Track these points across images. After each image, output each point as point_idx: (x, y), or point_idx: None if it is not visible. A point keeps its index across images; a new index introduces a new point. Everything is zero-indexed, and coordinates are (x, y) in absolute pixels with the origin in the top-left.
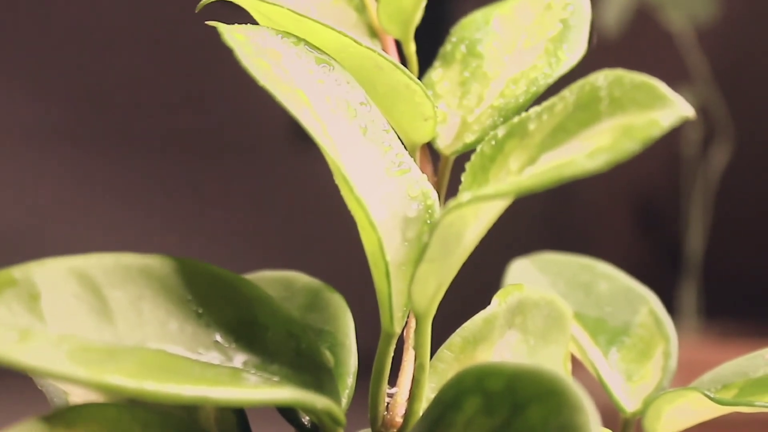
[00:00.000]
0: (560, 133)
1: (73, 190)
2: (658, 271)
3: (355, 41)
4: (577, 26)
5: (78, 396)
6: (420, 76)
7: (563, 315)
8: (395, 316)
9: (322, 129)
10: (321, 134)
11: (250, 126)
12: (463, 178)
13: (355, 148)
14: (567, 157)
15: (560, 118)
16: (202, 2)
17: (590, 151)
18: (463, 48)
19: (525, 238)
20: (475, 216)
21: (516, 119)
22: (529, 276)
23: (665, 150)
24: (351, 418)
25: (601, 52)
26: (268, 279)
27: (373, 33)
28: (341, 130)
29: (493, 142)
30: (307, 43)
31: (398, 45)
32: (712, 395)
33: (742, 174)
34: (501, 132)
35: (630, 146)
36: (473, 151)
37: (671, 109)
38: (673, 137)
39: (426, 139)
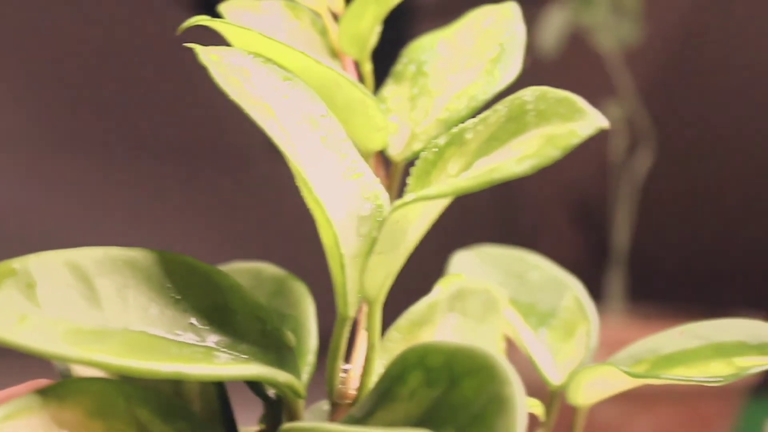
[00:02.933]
0: (493, 141)
1: (61, 193)
2: (590, 261)
3: (317, 61)
4: (512, 49)
5: (81, 371)
6: (375, 92)
7: (497, 301)
8: (349, 302)
9: (286, 138)
10: (285, 143)
11: (229, 134)
12: (408, 181)
13: (316, 154)
14: (498, 163)
15: (493, 128)
16: (182, 26)
17: (518, 157)
18: (412, 68)
19: (474, 233)
20: (419, 213)
21: (455, 129)
22: (470, 266)
23: (596, 156)
24: (312, 391)
25: (540, 70)
26: (240, 269)
27: (335, 54)
28: (304, 139)
29: (435, 150)
30: (274, 62)
31: (356, 65)
32: (626, 369)
33: (662, 177)
34: (442, 140)
35: (553, 153)
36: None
37: (588, 120)
38: (602, 145)
39: (379, 148)
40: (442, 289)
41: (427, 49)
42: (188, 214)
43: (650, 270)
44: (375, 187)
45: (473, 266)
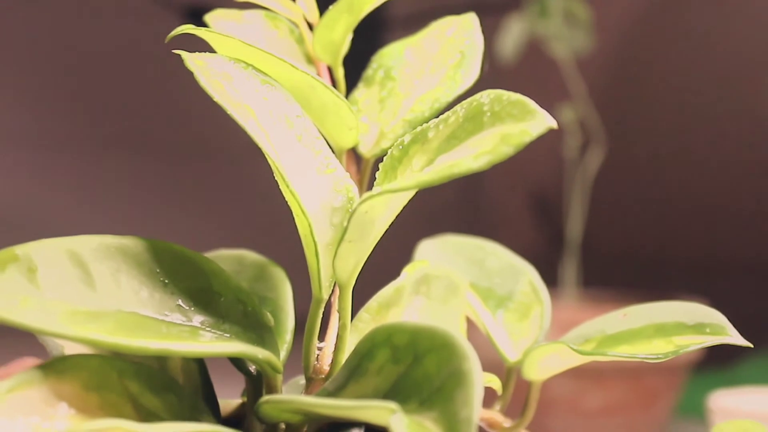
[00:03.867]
0: (453, 139)
1: (52, 187)
2: (546, 250)
3: (293, 66)
4: (471, 56)
5: (71, 349)
6: (347, 95)
7: (458, 285)
8: (323, 285)
9: (265, 136)
10: (264, 141)
11: (214, 132)
12: (376, 176)
13: (292, 151)
14: (457, 159)
15: (453, 128)
16: (170, 34)
17: (475, 154)
18: (381, 72)
19: (441, 224)
20: (386, 205)
21: (419, 129)
22: (434, 254)
23: (552, 154)
24: (290, 367)
25: (500, 76)
26: (224, 256)
27: (310, 60)
28: (281, 137)
29: (401, 147)
30: (254, 67)
31: (330, 70)
32: (575, 347)
33: (612, 173)
34: (407, 139)
35: (506, 150)
36: None
37: (539, 120)
38: (557, 144)
39: (351, 145)
40: (408, 275)
41: (395, 55)
42: (176, 207)
43: (601, 258)
44: (346, 181)
45: (437, 254)
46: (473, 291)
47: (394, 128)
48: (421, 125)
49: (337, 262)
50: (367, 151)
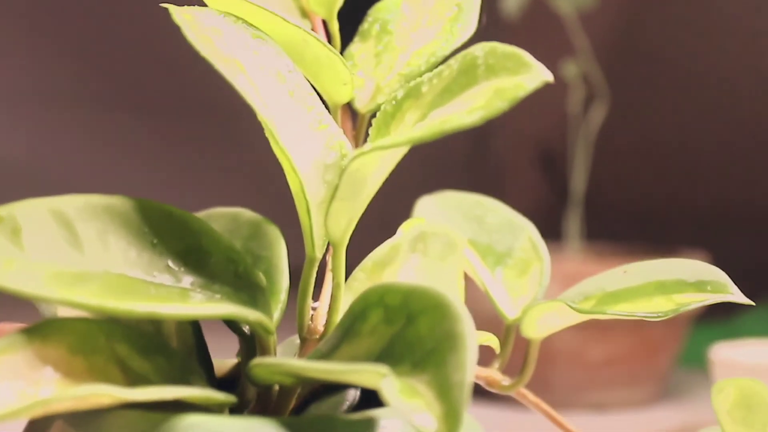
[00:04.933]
0: (446, 94)
1: (47, 144)
2: (551, 204)
3: (284, 20)
4: (468, 9)
5: (64, 312)
6: (342, 50)
7: (456, 242)
8: (316, 244)
9: (255, 91)
10: (254, 96)
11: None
12: (370, 132)
13: (284, 107)
14: (450, 114)
15: (447, 82)
16: None
17: (468, 108)
18: (377, 26)
19: (447, 179)
20: (377, 162)
21: (412, 83)
22: (433, 210)
23: (556, 109)
24: (285, 327)
25: (503, 30)
26: (219, 213)
27: (305, 14)
28: (272, 93)
29: (394, 102)
30: (245, 21)
31: (325, 24)
32: (574, 305)
33: (615, 127)
34: (400, 94)
35: (500, 104)
36: None
37: (534, 73)
38: (561, 99)
39: (345, 101)
40: (404, 232)
41: (392, 9)
42: (171, 163)
43: (605, 212)
44: (339, 138)
45: (436, 210)
46: (472, 248)
47: (390, 83)
48: (416, 78)
49: (329, 221)
50: (363, 106)
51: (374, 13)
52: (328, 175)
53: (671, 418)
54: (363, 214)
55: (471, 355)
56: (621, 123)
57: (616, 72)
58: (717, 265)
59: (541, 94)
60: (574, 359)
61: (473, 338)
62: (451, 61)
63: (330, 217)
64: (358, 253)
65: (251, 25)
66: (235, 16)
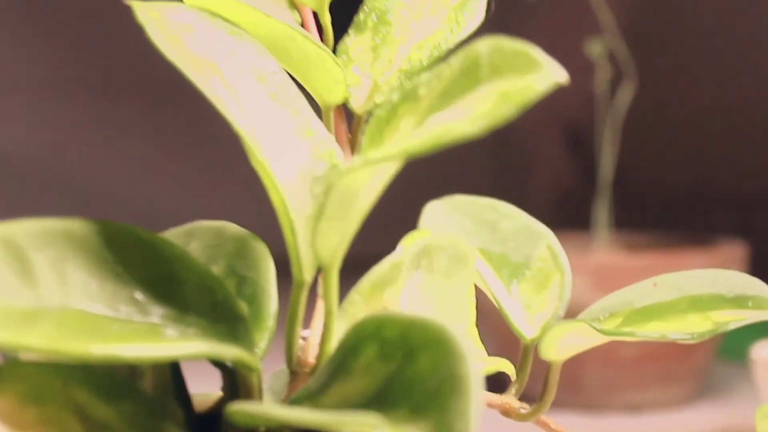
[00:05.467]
0: (446, 97)
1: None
2: (579, 191)
3: (266, 16)
4: None
5: (26, 354)
6: (336, 44)
7: (466, 254)
8: (304, 266)
9: (232, 96)
10: (230, 102)
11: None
12: (362, 141)
13: (265, 112)
14: (449, 122)
15: (446, 83)
16: None
17: (470, 116)
18: (374, 16)
19: (469, 163)
20: (370, 176)
21: (409, 84)
22: (441, 217)
23: (582, 90)
24: (274, 355)
25: (526, 9)
26: (203, 228)
27: (293, 5)
28: (251, 96)
29: (389, 107)
30: (222, 18)
31: (316, 15)
32: (597, 326)
33: (644, 108)
34: (396, 97)
35: (507, 110)
36: None
37: (544, 73)
38: (587, 79)
39: (339, 101)
40: (405, 248)
41: None
42: (154, 151)
43: (634, 198)
44: (329, 145)
45: (444, 216)
46: (484, 258)
47: (389, 80)
48: (419, 75)
49: (317, 241)
50: (359, 106)
51: (371, 1)
52: (316, 188)
53: (711, 417)
54: (381, 209)
55: (475, 400)
56: (650, 103)
57: (644, 50)
58: (756, 254)
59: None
60: (606, 357)
61: (478, 380)
62: (452, 59)
63: (318, 237)
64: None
65: (230, 21)
66: (211, 11)
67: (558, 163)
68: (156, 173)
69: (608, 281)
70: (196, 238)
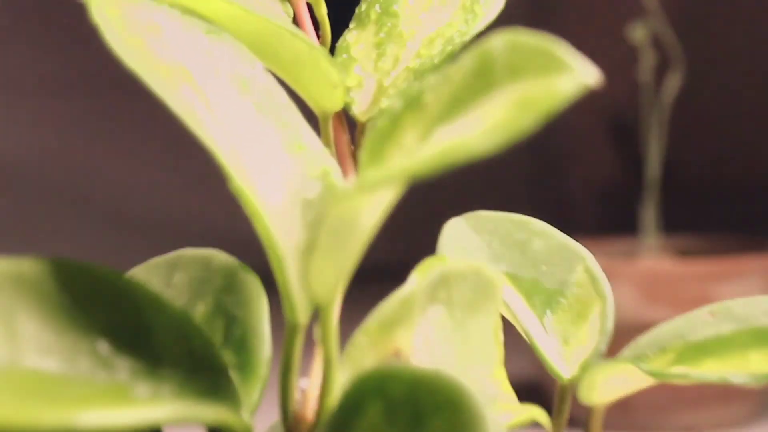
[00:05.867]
0: (455, 105)
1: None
2: (622, 189)
3: (246, 10)
4: None
5: None
6: (335, 39)
7: (492, 283)
8: (298, 306)
9: (204, 106)
10: (203, 113)
11: None
12: (360, 156)
13: (247, 125)
14: (459, 136)
15: (456, 87)
16: None
17: (484, 129)
18: (377, 7)
19: (505, 163)
20: (368, 201)
21: (413, 89)
22: (463, 237)
23: (625, 79)
24: (270, 404)
25: None
26: (189, 258)
27: None
28: (229, 106)
29: (391, 116)
30: (196, 14)
31: (310, 7)
32: (645, 367)
33: (692, 98)
34: (398, 105)
35: (527, 120)
36: None
37: (571, 75)
38: (630, 67)
39: (337, 107)
40: (418, 279)
41: None
42: (153, 148)
43: (685, 199)
44: (324, 162)
45: (467, 237)
46: (513, 284)
47: (396, 81)
48: (429, 73)
49: (311, 278)
50: (362, 112)
51: None
52: (309, 213)
53: None
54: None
55: None
56: (700, 93)
57: (692, 34)
58: None
59: (608, 62)
60: (657, 391)
61: None
62: (463, 58)
63: (312, 273)
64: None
65: (206, 18)
66: (183, 7)
67: (600, 160)
68: (155, 170)
69: (657, 291)
70: (181, 269)
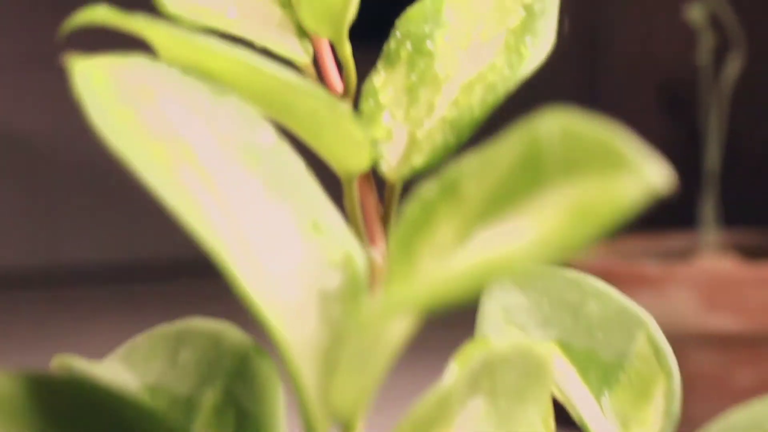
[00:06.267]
0: (500, 200)
1: None
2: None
3: (255, 68)
4: (543, 13)
5: None
6: (360, 81)
7: (541, 365)
8: (316, 419)
9: (207, 188)
10: (206, 197)
11: None
12: (389, 248)
13: (256, 206)
14: (504, 247)
15: (500, 178)
16: (65, 25)
17: (533, 239)
18: (408, 45)
19: None
20: (397, 316)
21: (450, 174)
22: (508, 295)
23: (683, 61)
24: None
25: None
26: (196, 333)
27: (302, 31)
28: (237, 184)
29: (423, 204)
30: (198, 71)
31: (332, 46)
32: None
33: (754, 83)
34: (431, 191)
35: (582, 232)
36: (424, 175)
37: (637, 175)
38: (688, 49)
39: (362, 168)
40: (458, 369)
41: (430, 16)
42: None
43: (747, 191)
44: (346, 246)
45: (512, 295)
46: (565, 355)
47: (431, 133)
48: (471, 129)
49: (332, 394)
50: (392, 169)
51: (404, 24)
52: (330, 309)
53: None
54: None
55: None
56: (763, 77)
57: (753, 14)
58: None
59: (665, 45)
60: (718, 385)
61: None
62: (508, 142)
63: (334, 389)
64: None
65: (209, 76)
66: (184, 64)
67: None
68: None
69: (719, 295)
70: (188, 344)
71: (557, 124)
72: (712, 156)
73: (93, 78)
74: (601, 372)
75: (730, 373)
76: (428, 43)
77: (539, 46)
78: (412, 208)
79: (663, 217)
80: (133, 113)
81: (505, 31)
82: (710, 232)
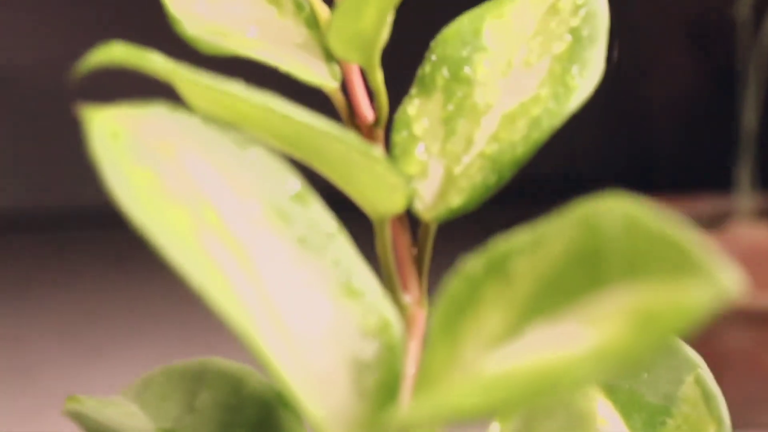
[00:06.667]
0: (554, 292)
1: None
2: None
3: (283, 116)
4: (591, 39)
5: None
6: (393, 110)
7: (584, 416)
8: None
9: (233, 252)
10: (233, 267)
11: None
12: (431, 323)
13: (286, 271)
14: (559, 356)
15: (556, 266)
16: (80, 67)
17: (591, 348)
18: (445, 71)
19: (579, 132)
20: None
21: (497, 250)
22: None
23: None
24: None
25: None
26: (215, 374)
27: (330, 55)
28: (265, 247)
29: (467, 279)
30: (222, 117)
31: (362, 72)
32: None
33: None
34: (476, 268)
35: (646, 343)
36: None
37: (707, 282)
38: (725, 5)
39: (397, 211)
40: (501, 427)
41: (468, 39)
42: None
43: None
44: (382, 311)
45: None
46: (607, 397)
47: (469, 169)
48: (513, 167)
49: None
50: (427, 208)
51: (440, 47)
52: (365, 379)
53: None
54: None
55: None
56: None
57: None
58: None
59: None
60: (750, 365)
61: None
62: (563, 226)
63: None
64: None
65: (233, 125)
66: (206, 113)
67: (690, 111)
68: None
69: (756, 264)
70: (207, 386)
71: (620, 215)
72: (749, 117)
73: (110, 134)
74: (647, 415)
75: (759, 352)
76: (467, 69)
77: (587, 77)
78: (456, 283)
79: (693, 180)
80: (153, 174)
81: (550, 58)
82: (745, 197)
